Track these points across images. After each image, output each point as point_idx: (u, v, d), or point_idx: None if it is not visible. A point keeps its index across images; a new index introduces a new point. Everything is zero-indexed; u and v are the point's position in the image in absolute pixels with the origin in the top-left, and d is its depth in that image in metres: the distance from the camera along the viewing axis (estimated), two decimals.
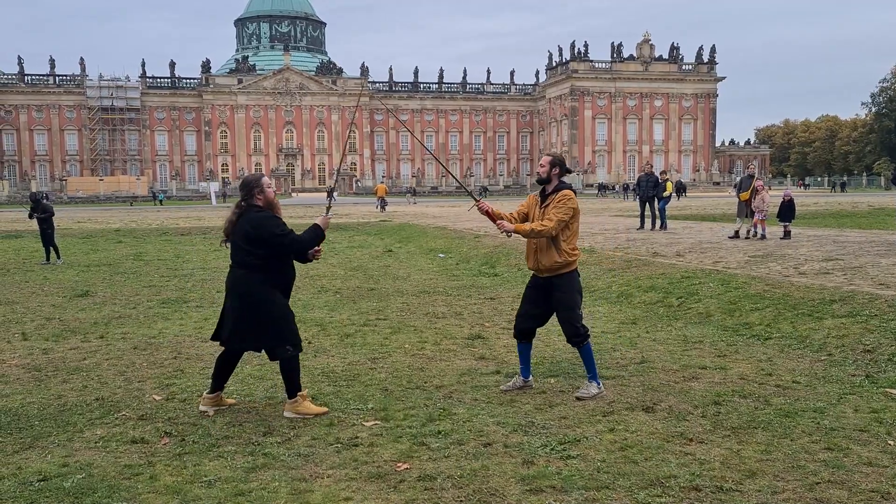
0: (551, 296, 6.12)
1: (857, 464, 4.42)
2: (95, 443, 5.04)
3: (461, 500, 4.02)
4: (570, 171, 6.28)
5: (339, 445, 4.92)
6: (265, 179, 5.63)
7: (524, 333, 6.28)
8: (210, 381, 5.86)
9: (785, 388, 6.08)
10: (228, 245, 5.69)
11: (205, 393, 5.87)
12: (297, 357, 5.70)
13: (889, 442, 4.78)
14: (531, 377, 6.32)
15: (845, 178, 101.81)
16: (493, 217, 6.02)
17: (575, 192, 6.19)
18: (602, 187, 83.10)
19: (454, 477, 4.32)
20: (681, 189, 56.95)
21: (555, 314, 6.20)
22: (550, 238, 5.98)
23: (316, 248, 5.75)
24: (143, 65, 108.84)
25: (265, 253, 5.48)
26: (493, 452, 4.72)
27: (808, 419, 5.25)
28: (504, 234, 5.97)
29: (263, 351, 5.75)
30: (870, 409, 5.47)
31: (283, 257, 5.62)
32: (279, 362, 5.65)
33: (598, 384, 6.06)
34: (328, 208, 6.03)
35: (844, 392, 5.95)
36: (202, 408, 5.72)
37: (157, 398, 6.10)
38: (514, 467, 4.46)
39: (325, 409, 5.67)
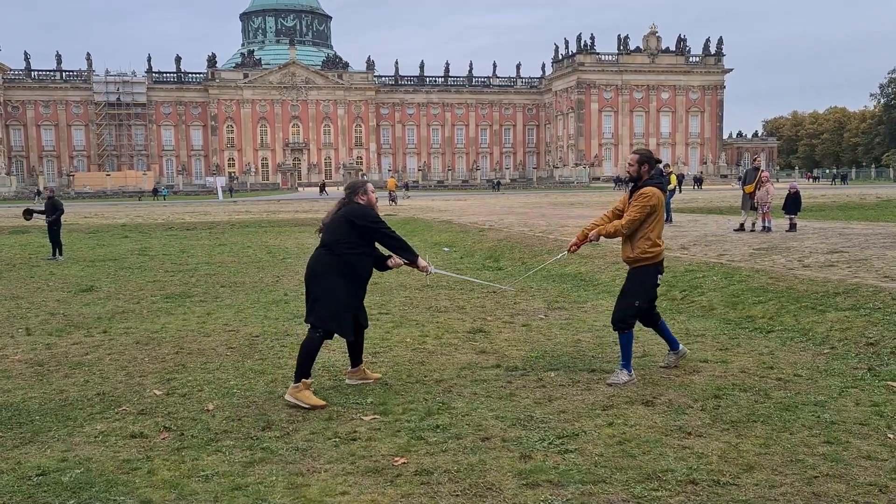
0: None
1: (855, 457, 4.40)
2: (95, 437, 5.06)
3: (457, 495, 4.02)
4: (659, 162, 6.36)
5: (337, 440, 4.92)
6: (369, 185, 6.16)
7: (642, 320, 6.45)
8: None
9: (786, 382, 6.05)
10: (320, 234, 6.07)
11: (348, 368, 6.38)
12: (319, 343, 5.88)
13: (889, 435, 4.75)
14: (681, 346, 6.61)
15: (847, 170, 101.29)
16: (583, 241, 6.44)
17: (663, 188, 6.24)
18: (619, 180, 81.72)
19: (451, 471, 4.32)
20: (682, 181, 57.47)
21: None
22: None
23: (400, 262, 6.16)
24: (149, 60, 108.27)
25: (354, 241, 5.86)
26: (491, 447, 4.72)
27: (809, 413, 5.23)
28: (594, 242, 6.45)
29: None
30: (871, 403, 5.43)
31: (365, 253, 5.96)
32: (305, 339, 5.88)
33: (630, 372, 6.18)
34: (430, 272, 6.28)
35: (846, 385, 5.92)
36: (347, 381, 6.25)
37: (158, 393, 6.12)
38: (511, 462, 4.45)
39: (324, 402, 5.69)
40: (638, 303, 6.23)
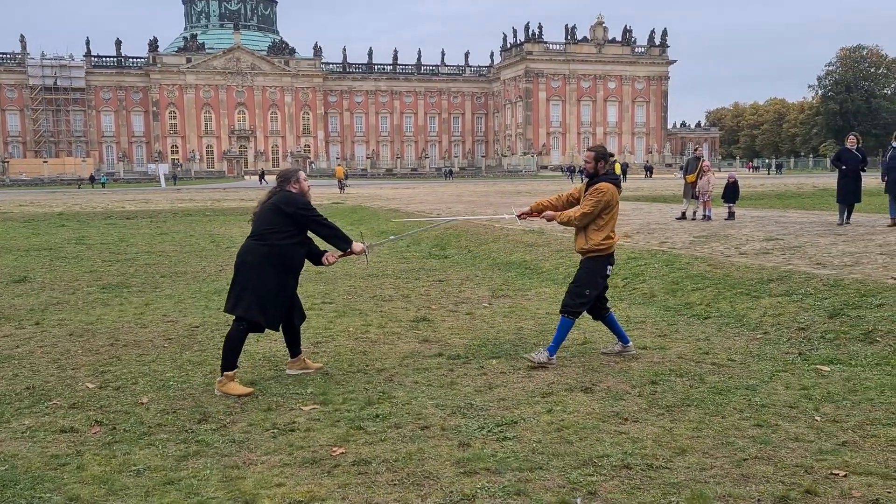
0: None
1: (784, 439, 4.52)
2: (22, 433, 4.89)
3: (395, 484, 4.00)
4: (612, 156, 6.57)
5: (275, 431, 4.86)
6: (301, 174, 6.06)
7: (592, 312, 6.58)
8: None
9: (720, 367, 6.19)
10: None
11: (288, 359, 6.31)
12: (244, 336, 5.80)
13: (816, 418, 4.90)
14: (630, 344, 6.68)
15: (783, 160, 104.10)
16: (535, 215, 6.60)
17: (617, 183, 6.43)
18: (570, 169, 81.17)
19: (389, 461, 4.30)
20: (626, 170, 59.00)
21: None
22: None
23: (335, 258, 6.11)
24: (88, 43, 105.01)
25: (287, 231, 5.75)
26: (430, 435, 4.71)
27: (741, 396, 5.36)
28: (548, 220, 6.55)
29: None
30: (800, 386, 5.60)
31: (297, 243, 5.85)
32: (229, 331, 5.83)
33: (551, 356, 6.29)
34: (371, 246, 6.39)
35: (777, 369, 6.09)
36: (288, 372, 6.17)
37: (91, 386, 5.95)
38: (449, 450, 4.46)
39: (250, 389, 5.67)
40: (588, 292, 6.36)
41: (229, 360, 5.71)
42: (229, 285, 5.93)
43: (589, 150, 6.47)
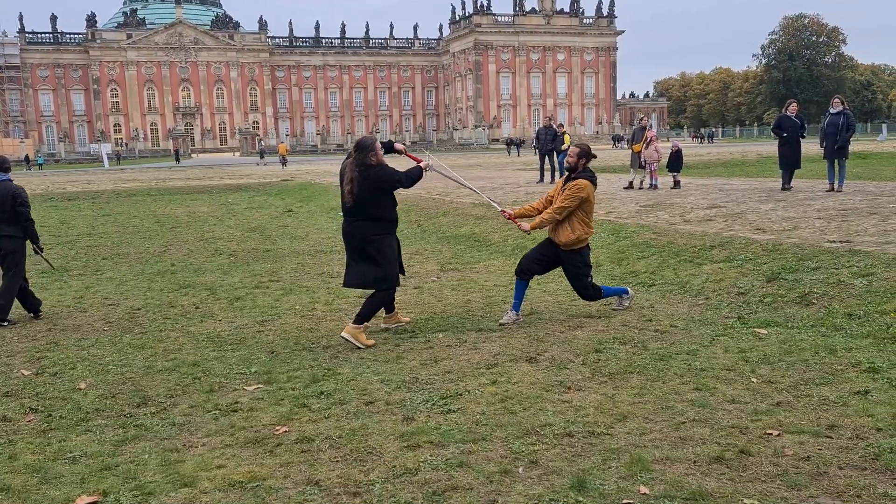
0: (563, 264, 6.98)
1: (721, 402, 4.62)
2: None
3: (338, 461, 3.98)
4: (595, 157, 7.03)
5: (217, 412, 4.79)
6: (378, 143, 6.40)
7: (526, 273, 6.96)
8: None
9: (663, 333, 6.29)
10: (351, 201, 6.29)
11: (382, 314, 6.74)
12: (388, 296, 6.56)
13: (752, 379, 5.01)
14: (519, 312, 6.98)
15: (712, 130, 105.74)
16: (513, 220, 7.05)
17: (593, 179, 6.93)
18: (511, 142, 79.93)
19: (332, 437, 4.28)
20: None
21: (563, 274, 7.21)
22: (567, 219, 6.80)
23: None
24: (21, 19, 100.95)
25: (389, 204, 6.35)
26: (375, 411, 4.70)
27: (681, 361, 5.45)
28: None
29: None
30: (738, 349, 5.72)
31: (395, 209, 6.46)
32: (374, 293, 6.40)
33: (628, 296, 7.25)
34: (429, 158, 6.83)
35: (717, 334, 6.21)
36: (382, 325, 6.74)
37: (27, 373, 5.78)
38: (393, 424, 4.45)
39: (373, 341, 6.24)
40: (590, 277, 6.98)
41: (369, 315, 6.30)
42: (353, 263, 6.38)
43: (576, 146, 6.98)
